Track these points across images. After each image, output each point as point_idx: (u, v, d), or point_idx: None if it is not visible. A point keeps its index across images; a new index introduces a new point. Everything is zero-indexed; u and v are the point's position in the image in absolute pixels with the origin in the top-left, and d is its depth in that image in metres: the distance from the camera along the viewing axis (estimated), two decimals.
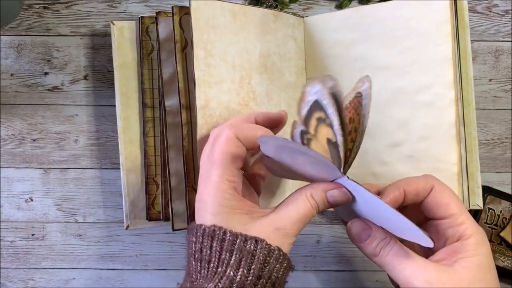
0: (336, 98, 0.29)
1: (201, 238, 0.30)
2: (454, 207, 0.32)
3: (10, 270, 0.49)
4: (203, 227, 0.30)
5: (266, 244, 0.29)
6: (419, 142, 0.40)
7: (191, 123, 0.40)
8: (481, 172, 0.43)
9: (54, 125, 0.48)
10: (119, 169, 0.45)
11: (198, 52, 0.37)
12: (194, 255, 0.30)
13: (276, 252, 0.29)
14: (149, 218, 0.45)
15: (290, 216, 0.31)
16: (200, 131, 0.37)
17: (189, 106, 0.40)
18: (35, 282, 0.49)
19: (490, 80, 0.48)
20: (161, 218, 0.44)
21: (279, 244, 0.30)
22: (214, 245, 0.29)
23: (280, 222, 0.31)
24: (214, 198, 0.30)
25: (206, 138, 0.37)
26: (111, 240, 0.49)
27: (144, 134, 0.45)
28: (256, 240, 0.29)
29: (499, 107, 0.48)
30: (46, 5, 0.48)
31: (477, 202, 0.43)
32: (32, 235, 0.49)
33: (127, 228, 0.45)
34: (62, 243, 0.49)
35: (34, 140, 0.48)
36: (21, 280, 0.49)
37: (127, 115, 0.45)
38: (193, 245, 0.30)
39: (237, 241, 0.29)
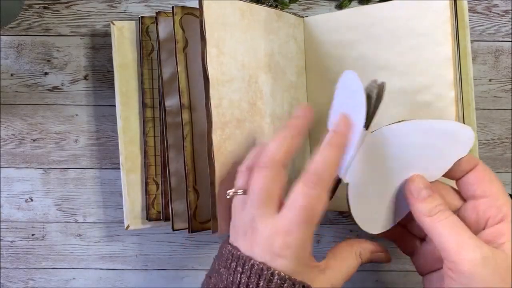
0: None
1: (248, 272, 0.29)
2: (497, 186, 0.31)
3: (10, 270, 0.49)
4: (252, 261, 0.29)
5: None
6: None
7: (192, 123, 0.40)
8: None
9: (54, 125, 0.48)
10: (119, 169, 0.45)
11: (211, 50, 0.36)
12: (239, 287, 0.30)
13: None
14: (149, 218, 0.45)
15: (342, 273, 0.33)
16: (215, 131, 0.36)
17: (190, 106, 0.40)
18: (35, 282, 0.49)
19: (490, 80, 0.48)
20: (161, 218, 0.44)
21: None
22: (261, 284, 0.29)
23: (335, 279, 0.32)
24: (295, 253, 0.30)
25: (220, 137, 0.36)
26: (111, 240, 0.49)
27: (144, 134, 0.45)
28: (304, 286, 0.29)
29: (499, 107, 0.48)
30: (46, 5, 0.48)
31: None
32: (32, 235, 0.49)
33: (127, 228, 0.45)
34: (62, 243, 0.49)
35: (34, 140, 0.48)
36: (21, 280, 0.49)
37: (127, 115, 0.45)
38: (239, 276, 0.30)
39: (285, 285, 0.29)
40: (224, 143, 0.37)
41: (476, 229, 0.31)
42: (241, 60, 0.39)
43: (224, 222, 0.36)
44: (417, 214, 0.32)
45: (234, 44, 0.38)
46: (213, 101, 0.36)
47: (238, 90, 0.38)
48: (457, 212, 0.33)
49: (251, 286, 0.29)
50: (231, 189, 0.34)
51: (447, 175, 0.33)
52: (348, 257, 0.34)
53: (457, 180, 0.33)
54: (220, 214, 0.36)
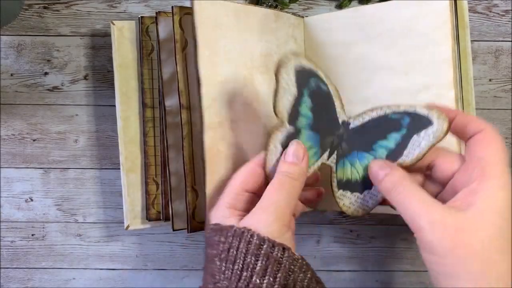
0: None
1: (231, 238, 0.30)
2: (495, 149, 0.29)
3: (10, 270, 0.49)
4: (234, 227, 0.30)
5: (291, 252, 0.29)
6: None
7: (191, 123, 0.40)
8: None
9: (54, 125, 0.48)
10: (119, 169, 0.45)
11: (203, 51, 0.37)
12: (220, 255, 0.30)
13: (300, 261, 0.30)
14: (149, 218, 0.45)
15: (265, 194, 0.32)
16: (207, 132, 0.36)
17: (189, 106, 0.40)
18: (35, 282, 0.49)
19: (490, 80, 0.48)
20: (161, 218, 0.44)
21: (277, 228, 0.30)
22: (241, 246, 0.29)
23: (259, 203, 0.31)
24: (216, 215, 0.33)
25: (213, 138, 0.36)
26: (111, 240, 0.49)
27: (144, 134, 0.45)
28: (284, 248, 0.29)
29: (499, 107, 0.48)
30: (46, 5, 0.48)
31: None
32: (32, 235, 0.49)
33: (127, 228, 0.45)
34: (62, 243, 0.49)
35: (34, 140, 0.48)
36: (21, 280, 0.49)
37: (127, 115, 0.45)
38: (221, 245, 0.30)
39: (264, 246, 0.29)
40: (216, 144, 0.37)
41: (460, 187, 0.30)
42: (235, 60, 0.39)
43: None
44: (385, 195, 0.32)
45: (228, 45, 0.38)
46: (205, 102, 0.36)
47: (231, 90, 0.38)
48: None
49: (231, 250, 0.29)
50: (223, 188, 0.35)
51: (458, 135, 0.32)
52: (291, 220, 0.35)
53: (466, 141, 0.32)
54: (209, 211, 0.37)
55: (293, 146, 0.33)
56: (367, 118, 0.34)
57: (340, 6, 0.48)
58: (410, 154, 0.32)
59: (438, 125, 0.31)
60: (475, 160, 0.29)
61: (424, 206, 0.28)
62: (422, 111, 0.32)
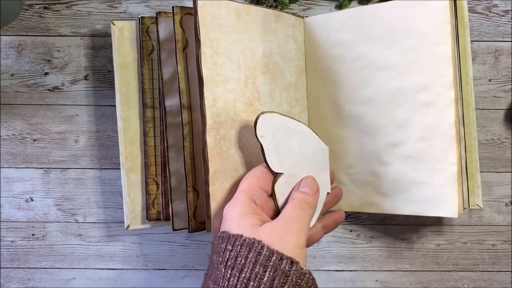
0: None
1: (238, 247, 0.30)
2: None
3: (11, 270, 0.49)
4: (243, 237, 0.30)
5: (299, 266, 0.30)
6: (419, 142, 0.40)
7: (192, 123, 0.40)
8: (481, 172, 0.43)
9: (55, 125, 0.48)
10: (119, 169, 0.45)
11: (205, 50, 0.37)
12: (227, 263, 0.30)
13: (307, 275, 0.30)
14: (149, 218, 0.45)
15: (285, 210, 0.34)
16: (209, 132, 0.37)
17: (190, 106, 0.40)
18: (35, 282, 0.49)
19: (489, 80, 0.48)
20: (161, 218, 0.44)
21: (296, 242, 0.31)
22: (250, 256, 0.29)
23: (283, 215, 0.33)
24: (234, 209, 0.33)
25: (215, 137, 0.37)
26: (111, 240, 0.49)
27: (144, 134, 0.45)
28: (292, 261, 0.30)
29: (499, 107, 0.48)
30: (47, 5, 0.48)
31: (477, 202, 0.43)
32: (33, 235, 0.49)
33: (127, 228, 0.45)
34: (62, 243, 0.49)
35: (34, 140, 0.48)
36: (21, 280, 0.49)
37: (127, 115, 0.45)
38: (228, 253, 0.30)
39: (273, 258, 0.29)
40: (218, 143, 0.37)
41: None
42: (237, 60, 0.39)
43: (218, 220, 0.36)
44: None
45: (229, 44, 0.38)
46: (207, 102, 0.37)
47: (233, 90, 0.39)
48: None
49: (239, 259, 0.30)
50: (225, 188, 0.36)
51: None
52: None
53: None
54: (214, 212, 0.37)
55: (309, 179, 0.36)
56: None
57: (340, 7, 0.48)
58: None
59: None
60: None
61: None
62: None
